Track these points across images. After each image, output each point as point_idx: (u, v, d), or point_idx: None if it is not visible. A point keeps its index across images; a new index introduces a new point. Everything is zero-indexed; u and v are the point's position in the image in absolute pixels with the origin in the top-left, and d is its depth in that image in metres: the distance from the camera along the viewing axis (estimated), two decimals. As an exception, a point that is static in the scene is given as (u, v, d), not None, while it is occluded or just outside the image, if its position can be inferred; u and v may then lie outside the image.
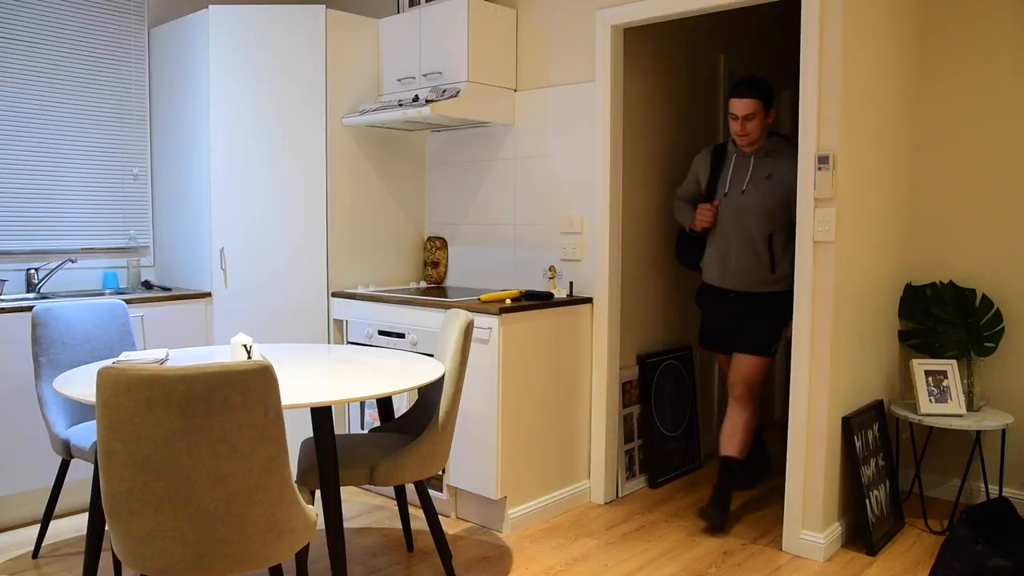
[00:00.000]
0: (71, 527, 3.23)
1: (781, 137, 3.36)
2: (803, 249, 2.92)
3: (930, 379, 3.20)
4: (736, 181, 3.32)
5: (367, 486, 3.47)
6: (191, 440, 1.69)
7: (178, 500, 1.72)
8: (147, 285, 3.95)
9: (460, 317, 2.61)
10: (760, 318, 3.34)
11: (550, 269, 3.56)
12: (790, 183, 3.18)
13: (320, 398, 2.10)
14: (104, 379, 1.69)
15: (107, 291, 3.78)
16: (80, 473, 3.33)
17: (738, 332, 3.39)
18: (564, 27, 3.55)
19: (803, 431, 2.95)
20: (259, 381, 1.74)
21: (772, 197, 3.24)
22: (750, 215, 3.28)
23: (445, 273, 4.11)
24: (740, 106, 3.21)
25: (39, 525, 3.12)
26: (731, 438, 3.32)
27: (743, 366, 3.35)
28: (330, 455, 2.24)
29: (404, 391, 2.26)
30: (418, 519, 3.32)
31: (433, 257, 4.12)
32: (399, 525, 3.25)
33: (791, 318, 3.07)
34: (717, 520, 3.17)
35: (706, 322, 3.59)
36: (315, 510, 1.98)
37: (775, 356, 3.41)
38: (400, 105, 3.56)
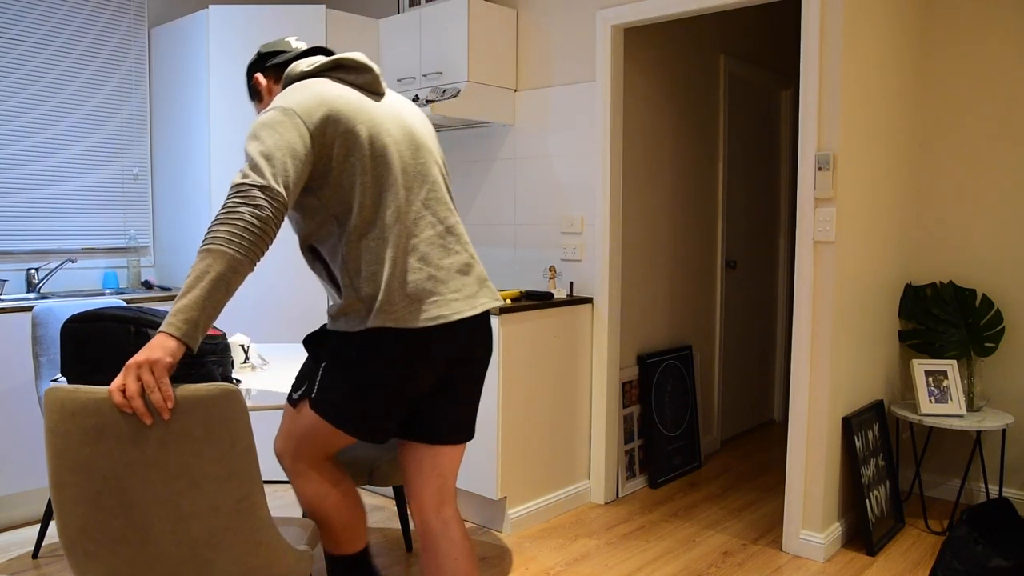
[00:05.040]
0: (71, 527, 3.22)
1: None
2: (803, 249, 2.92)
3: (930, 379, 3.20)
4: None
5: (366, 486, 3.47)
6: (145, 475, 1.48)
7: (135, 542, 1.52)
8: (147, 285, 3.95)
9: (460, 317, 2.61)
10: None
11: (550, 269, 3.56)
12: None
13: (320, 398, 2.09)
14: (51, 402, 1.48)
15: (107, 291, 3.78)
16: (80, 473, 3.33)
17: None
18: (564, 27, 3.55)
19: (803, 431, 2.95)
20: (222, 408, 1.48)
21: None
22: None
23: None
24: None
25: (39, 525, 3.12)
26: None
27: None
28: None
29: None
30: (418, 519, 3.32)
31: (433, 257, 4.11)
32: (398, 525, 3.25)
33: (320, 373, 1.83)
34: None
35: None
36: (308, 550, 1.76)
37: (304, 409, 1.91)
38: (400, 105, 3.56)
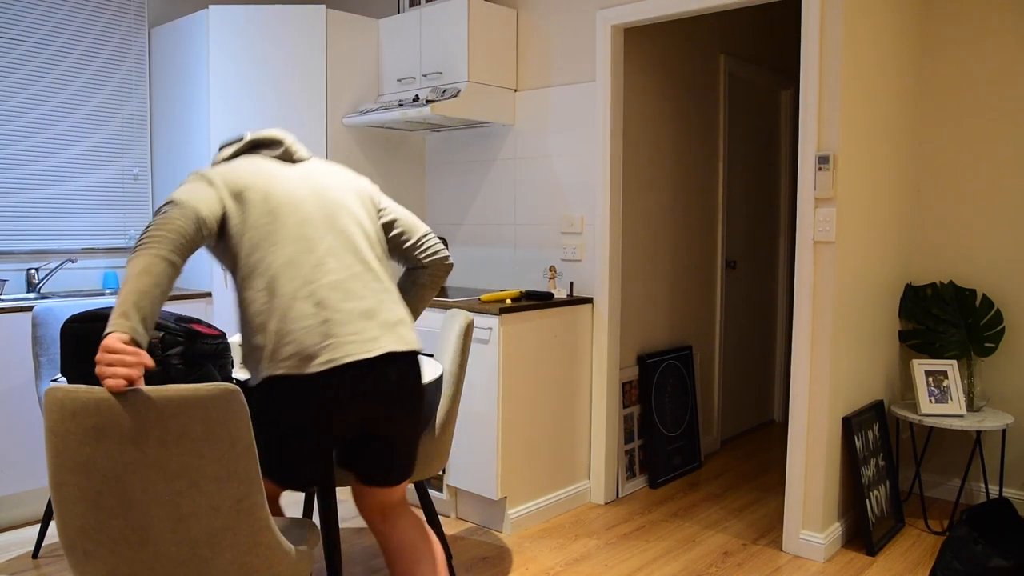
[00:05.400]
0: (71, 527, 3.23)
1: None
2: (803, 249, 2.92)
3: (930, 379, 3.20)
4: None
5: (367, 486, 3.47)
6: (145, 475, 1.48)
7: (134, 542, 1.52)
8: (147, 285, 3.95)
9: (460, 317, 2.61)
10: None
11: (550, 269, 3.56)
12: None
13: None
14: (50, 402, 1.50)
15: (107, 291, 3.78)
16: (80, 473, 3.33)
17: None
18: (564, 27, 3.55)
19: (803, 431, 2.95)
20: (221, 408, 1.49)
21: None
22: None
23: (445, 273, 4.11)
24: None
25: (39, 525, 3.12)
26: None
27: None
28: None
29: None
30: (418, 519, 3.32)
31: (433, 257, 4.11)
32: (399, 525, 3.25)
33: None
34: None
35: None
36: (307, 550, 1.78)
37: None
38: (400, 105, 3.56)
